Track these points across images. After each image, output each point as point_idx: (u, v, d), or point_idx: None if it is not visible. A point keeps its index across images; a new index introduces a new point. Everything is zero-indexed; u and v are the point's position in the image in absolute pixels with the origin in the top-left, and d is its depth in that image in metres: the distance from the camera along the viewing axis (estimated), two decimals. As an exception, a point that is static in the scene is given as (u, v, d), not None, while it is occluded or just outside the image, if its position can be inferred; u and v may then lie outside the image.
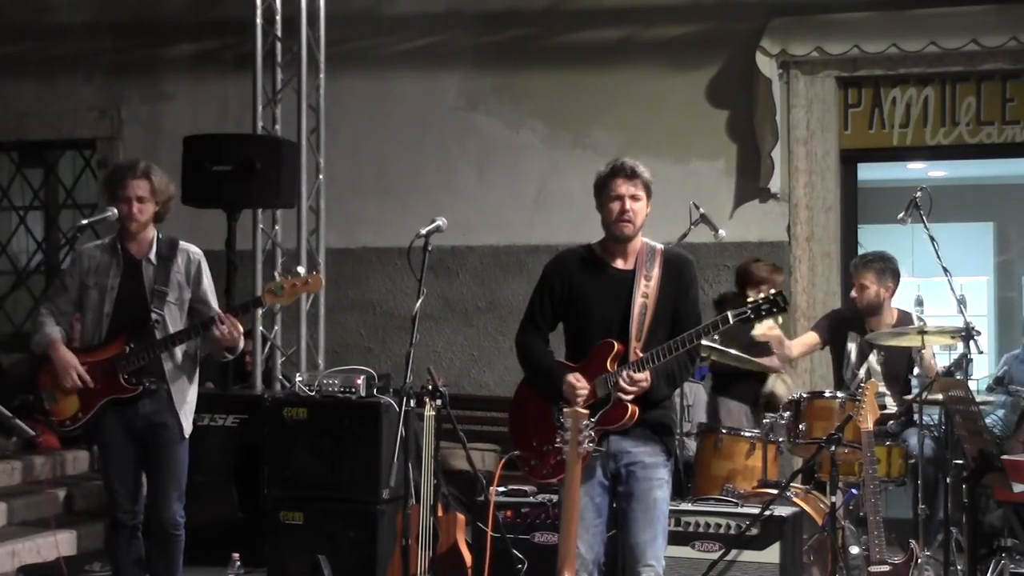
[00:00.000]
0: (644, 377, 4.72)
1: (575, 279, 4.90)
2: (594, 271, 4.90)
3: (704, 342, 5.76)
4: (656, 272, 4.85)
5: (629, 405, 4.74)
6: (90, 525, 7.64)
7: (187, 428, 5.71)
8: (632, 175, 4.84)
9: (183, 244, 5.79)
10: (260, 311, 8.01)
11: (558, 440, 4.52)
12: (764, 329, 6.73)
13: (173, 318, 5.67)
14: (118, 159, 9.04)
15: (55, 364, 5.62)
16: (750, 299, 4.76)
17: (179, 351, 5.66)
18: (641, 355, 4.73)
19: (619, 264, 4.89)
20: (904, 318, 6.92)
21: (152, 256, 5.70)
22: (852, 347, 6.92)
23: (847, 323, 6.99)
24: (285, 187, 7.97)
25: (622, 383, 4.70)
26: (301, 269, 5.69)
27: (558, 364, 4.88)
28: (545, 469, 4.85)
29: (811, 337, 7.13)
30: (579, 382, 4.75)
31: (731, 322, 4.73)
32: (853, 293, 6.95)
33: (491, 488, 5.83)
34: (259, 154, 7.82)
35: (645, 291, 4.82)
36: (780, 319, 4.80)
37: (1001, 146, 8.55)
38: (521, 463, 4.98)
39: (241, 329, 5.65)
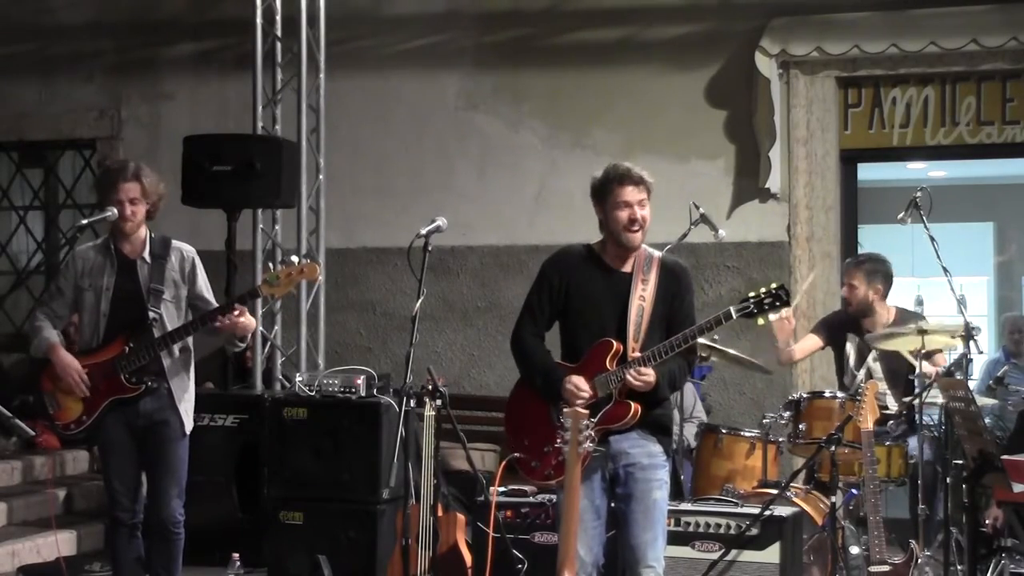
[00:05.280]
0: (650, 372, 4.72)
1: (574, 277, 4.89)
2: (593, 271, 4.89)
3: (704, 341, 5.74)
4: (653, 277, 4.85)
5: (632, 403, 4.74)
6: (90, 525, 7.64)
7: (188, 425, 5.72)
8: (640, 182, 4.84)
9: (176, 243, 5.80)
10: (260, 311, 8.01)
11: (558, 440, 4.51)
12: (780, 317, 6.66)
13: (170, 316, 5.68)
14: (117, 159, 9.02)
15: (56, 367, 5.63)
16: (751, 293, 4.76)
17: (177, 348, 5.67)
18: (640, 354, 4.73)
19: (618, 267, 4.90)
20: (904, 316, 6.89)
21: (146, 255, 5.71)
22: (851, 348, 6.92)
23: (845, 325, 6.98)
24: (285, 187, 7.98)
25: (630, 377, 4.69)
26: (295, 258, 5.67)
27: (557, 365, 4.87)
28: (546, 470, 4.85)
29: (812, 341, 7.10)
30: (582, 387, 4.74)
31: (734, 317, 4.74)
32: (844, 293, 6.97)
33: (492, 488, 5.82)
34: (259, 154, 7.82)
35: (642, 294, 4.82)
36: (784, 312, 4.79)
37: (1001, 146, 8.54)
38: (520, 465, 4.97)
39: (250, 317, 5.66)
